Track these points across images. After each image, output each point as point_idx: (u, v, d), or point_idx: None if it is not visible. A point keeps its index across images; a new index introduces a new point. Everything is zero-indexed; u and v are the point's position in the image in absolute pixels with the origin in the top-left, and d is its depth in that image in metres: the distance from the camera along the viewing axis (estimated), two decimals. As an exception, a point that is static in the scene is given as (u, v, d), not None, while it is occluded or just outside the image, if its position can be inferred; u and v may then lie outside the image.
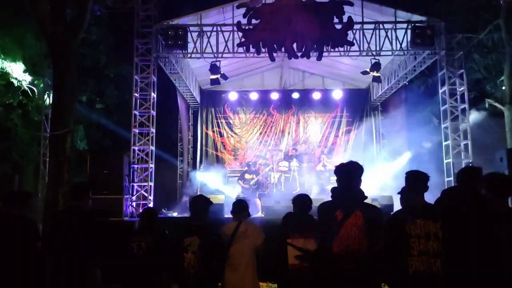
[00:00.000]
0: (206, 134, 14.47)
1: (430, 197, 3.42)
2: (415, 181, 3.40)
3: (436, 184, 11.75)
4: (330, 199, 3.52)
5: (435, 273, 3.08)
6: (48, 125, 9.50)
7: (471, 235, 3.11)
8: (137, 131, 9.73)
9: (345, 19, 9.07)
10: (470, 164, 9.18)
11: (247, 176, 10.77)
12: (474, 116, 11.22)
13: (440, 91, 10.05)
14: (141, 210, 9.27)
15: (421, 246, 3.13)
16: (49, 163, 8.94)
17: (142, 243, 4.49)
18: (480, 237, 3.07)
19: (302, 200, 4.25)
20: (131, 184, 9.31)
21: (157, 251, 4.38)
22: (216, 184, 12.17)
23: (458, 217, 3.27)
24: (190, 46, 9.85)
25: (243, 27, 9.12)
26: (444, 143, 10.06)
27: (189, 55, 10.20)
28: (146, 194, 9.45)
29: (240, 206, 4.60)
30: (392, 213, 3.66)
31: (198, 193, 11.42)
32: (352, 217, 3.26)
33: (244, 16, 9.04)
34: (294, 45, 9.08)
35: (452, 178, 9.67)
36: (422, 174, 3.42)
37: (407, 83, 11.65)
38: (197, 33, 9.81)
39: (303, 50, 9.06)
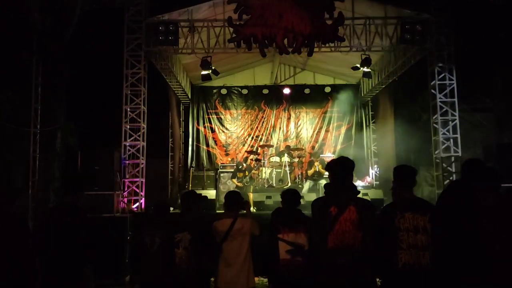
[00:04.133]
0: (198, 129, 14.49)
1: (418, 191, 3.46)
2: (403, 175, 3.44)
3: (425, 179, 11.85)
4: (323, 195, 3.57)
5: (424, 265, 3.13)
6: (38, 121, 9.43)
7: (459, 229, 3.16)
8: (128, 126, 9.69)
9: (335, 14, 9.11)
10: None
11: (239, 174, 10.83)
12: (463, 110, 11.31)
13: (430, 86, 10.12)
14: (134, 204, 9.29)
15: (410, 239, 3.17)
16: (40, 160, 8.89)
17: (155, 237, 4.50)
18: (468, 230, 3.12)
19: (290, 195, 4.27)
20: (122, 180, 9.28)
21: (170, 246, 4.34)
22: (208, 179, 12.20)
23: (446, 210, 3.32)
24: (181, 41, 9.83)
25: (234, 22, 9.12)
26: (433, 138, 10.14)
27: (180, 50, 10.17)
28: (137, 190, 9.43)
29: (234, 199, 4.50)
30: (382, 207, 3.70)
31: (190, 189, 11.44)
32: (346, 212, 3.30)
33: (235, 11, 9.04)
34: (285, 41, 9.11)
35: (441, 173, 9.77)
36: (410, 168, 3.47)
37: (397, 78, 11.71)
38: (188, 28, 9.78)
39: (294, 45, 9.09)
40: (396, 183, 3.45)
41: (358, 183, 11.58)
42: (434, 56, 9.91)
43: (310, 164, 10.96)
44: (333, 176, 3.58)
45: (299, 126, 14.56)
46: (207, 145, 14.40)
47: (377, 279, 3.49)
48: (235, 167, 11.44)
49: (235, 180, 10.82)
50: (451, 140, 9.87)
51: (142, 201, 9.42)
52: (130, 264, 7.97)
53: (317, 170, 10.58)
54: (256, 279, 4.52)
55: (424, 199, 3.46)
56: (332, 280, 3.30)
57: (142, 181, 9.51)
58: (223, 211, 4.64)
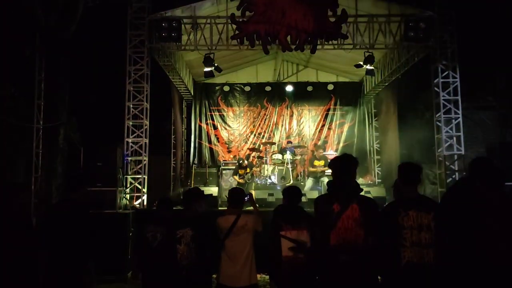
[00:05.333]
0: (200, 126, 14.48)
1: (421, 189, 3.44)
2: (408, 173, 3.43)
3: (428, 177, 11.81)
4: (326, 192, 3.56)
5: (427, 263, 3.13)
6: (41, 117, 9.44)
7: (463, 227, 3.14)
8: (130, 123, 9.69)
9: (339, 12, 9.09)
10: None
11: (240, 171, 10.81)
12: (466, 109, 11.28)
13: (433, 84, 10.10)
14: (136, 201, 9.30)
15: (413, 237, 3.17)
16: (42, 156, 8.91)
17: (157, 234, 4.53)
18: (472, 229, 3.11)
19: (292, 192, 4.27)
20: (124, 176, 9.29)
21: (172, 242, 4.36)
22: (210, 176, 12.21)
23: (450, 208, 3.31)
24: (184, 38, 9.82)
25: (237, 19, 9.11)
26: (436, 136, 10.12)
27: (182, 47, 10.16)
28: (139, 187, 9.44)
29: (238, 196, 4.50)
30: (385, 205, 3.69)
31: (192, 186, 11.46)
32: (349, 209, 3.30)
33: (238, 8, 9.03)
34: (288, 38, 9.09)
35: (443, 171, 9.76)
36: (415, 166, 3.45)
37: (400, 76, 11.68)
38: (190, 25, 9.76)
39: (297, 42, 9.08)
40: (401, 180, 3.44)
41: (361, 181, 11.56)
42: (438, 54, 9.89)
43: (312, 160, 10.94)
44: (336, 173, 3.57)
45: (302, 123, 14.54)
46: (209, 142, 14.41)
47: (378, 277, 3.49)
48: (236, 164, 11.44)
49: (236, 177, 10.80)
50: (454, 138, 9.85)
51: (145, 197, 9.42)
52: (132, 260, 7.99)
53: (319, 165, 10.54)
54: (258, 275, 4.51)
55: (428, 197, 3.45)
56: (334, 277, 3.30)
57: (144, 178, 9.51)
58: (225, 208, 4.63)
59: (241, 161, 11.04)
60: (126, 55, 9.71)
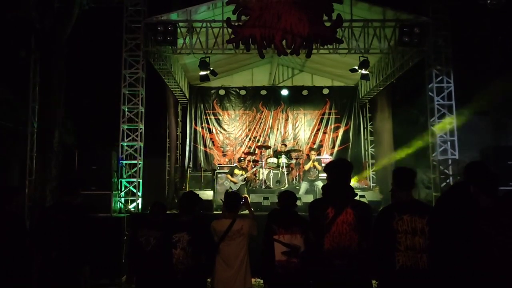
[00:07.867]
0: (195, 130, 14.50)
1: (415, 193, 3.46)
2: (402, 177, 3.44)
3: (422, 181, 11.81)
4: (321, 196, 3.57)
5: (421, 268, 3.13)
6: (35, 120, 9.41)
7: (457, 231, 3.16)
8: (125, 127, 9.67)
9: (334, 16, 9.13)
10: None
11: (236, 171, 10.79)
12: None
13: (427, 88, 10.15)
14: (131, 204, 9.27)
15: (407, 241, 3.17)
16: (37, 159, 8.86)
17: (150, 238, 4.51)
18: (465, 233, 3.12)
19: (287, 196, 4.27)
20: (119, 180, 9.27)
21: (165, 246, 4.35)
22: (205, 180, 12.19)
23: (445, 213, 3.32)
24: (180, 42, 9.83)
25: (233, 23, 9.14)
26: (430, 140, 10.17)
27: (178, 51, 10.17)
28: (134, 190, 9.41)
29: (234, 200, 4.49)
30: (380, 209, 3.71)
31: (187, 189, 11.43)
32: (343, 214, 3.31)
33: (234, 12, 9.06)
34: (284, 42, 9.12)
35: (438, 175, 9.80)
36: (410, 170, 3.47)
37: (394, 81, 11.74)
38: (186, 29, 9.78)
39: (292, 47, 9.11)
40: (395, 185, 3.45)
41: (356, 185, 11.59)
42: (432, 59, 9.94)
43: (307, 160, 10.91)
44: (331, 177, 3.58)
45: (297, 127, 14.59)
46: (205, 145, 14.42)
47: (374, 281, 3.50)
48: (237, 162, 11.29)
49: (230, 177, 10.68)
50: (448, 142, 9.90)
51: (139, 201, 9.40)
52: (127, 264, 7.97)
53: (314, 166, 10.52)
54: (253, 280, 4.50)
55: (423, 201, 3.47)
56: (328, 281, 3.31)
57: (139, 181, 9.49)
58: (220, 212, 4.63)
59: (241, 160, 11.03)
60: (121, 59, 9.71)
